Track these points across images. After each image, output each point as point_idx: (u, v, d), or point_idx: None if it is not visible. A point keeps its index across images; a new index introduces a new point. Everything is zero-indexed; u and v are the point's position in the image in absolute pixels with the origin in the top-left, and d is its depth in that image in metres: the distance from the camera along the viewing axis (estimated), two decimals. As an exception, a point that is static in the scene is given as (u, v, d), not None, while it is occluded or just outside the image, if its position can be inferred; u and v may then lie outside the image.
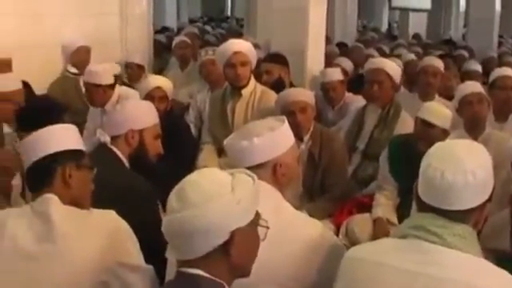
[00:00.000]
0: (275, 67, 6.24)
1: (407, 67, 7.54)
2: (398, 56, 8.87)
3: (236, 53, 5.02)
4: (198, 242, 2.04)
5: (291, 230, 2.63)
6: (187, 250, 2.07)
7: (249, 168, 2.60)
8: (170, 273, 2.63)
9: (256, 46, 5.74)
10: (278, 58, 6.44)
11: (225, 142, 2.90)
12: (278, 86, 5.68)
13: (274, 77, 6.12)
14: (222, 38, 10.41)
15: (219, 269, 2.09)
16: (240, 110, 5.08)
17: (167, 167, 3.94)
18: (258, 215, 2.17)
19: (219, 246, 2.05)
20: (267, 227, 2.19)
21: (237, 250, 2.07)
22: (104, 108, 5.60)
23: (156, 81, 5.34)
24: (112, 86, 5.67)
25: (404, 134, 4.71)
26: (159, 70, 8.48)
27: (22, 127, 3.61)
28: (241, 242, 2.08)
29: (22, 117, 4.46)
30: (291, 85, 6.07)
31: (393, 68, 5.27)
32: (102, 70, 5.69)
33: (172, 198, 2.12)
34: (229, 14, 28.92)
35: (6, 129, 4.58)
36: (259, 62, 5.92)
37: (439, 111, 4.36)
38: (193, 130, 5.89)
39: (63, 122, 3.21)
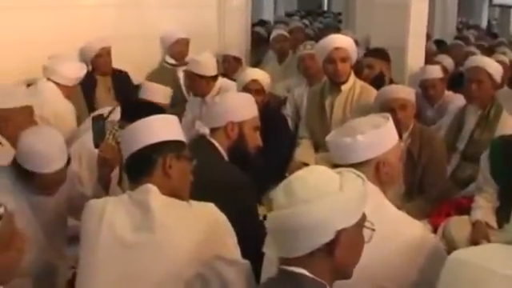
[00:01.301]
0: (377, 62, 6.16)
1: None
2: (503, 54, 8.61)
3: (337, 48, 4.96)
4: (302, 240, 2.00)
5: (393, 230, 2.57)
6: (291, 247, 2.04)
7: (351, 165, 2.56)
8: (267, 269, 2.61)
9: (355, 41, 5.67)
10: (380, 53, 6.35)
11: (327, 138, 2.86)
12: (378, 81, 5.59)
13: (375, 71, 6.04)
14: (320, 33, 10.34)
15: (322, 269, 2.05)
16: (338, 106, 5.01)
17: (264, 161, 3.92)
18: (364, 216, 2.12)
19: (323, 245, 2.01)
20: (373, 229, 2.14)
21: (341, 250, 2.03)
22: (204, 99, 5.62)
23: (253, 74, 5.32)
24: (215, 78, 5.69)
25: (507, 135, 4.56)
26: (256, 63, 8.48)
27: (126, 117, 3.62)
28: (346, 243, 2.03)
29: (125, 106, 4.50)
30: (391, 81, 5.98)
31: (493, 67, 5.10)
32: (207, 61, 5.72)
33: (279, 194, 2.08)
34: (326, 8, 28.79)
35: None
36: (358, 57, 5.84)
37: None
38: (290, 124, 5.86)
39: (165, 113, 3.21)
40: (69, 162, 3.57)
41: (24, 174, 3.43)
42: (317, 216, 1.98)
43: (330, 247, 2.01)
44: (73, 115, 5.52)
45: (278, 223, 2.05)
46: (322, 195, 1.99)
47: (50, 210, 3.66)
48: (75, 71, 5.69)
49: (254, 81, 5.15)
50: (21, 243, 2.10)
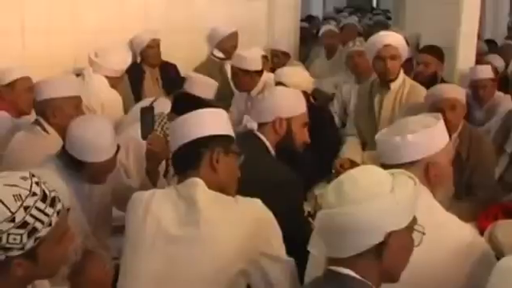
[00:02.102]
0: (433, 60, 6.06)
1: None
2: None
3: (386, 45, 4.91)
4: (351, 241, 1.98)
5: (442, 233, 2.53)
6: (339, 247, 2.02)
7: (399, 165, 2.53)
8: (312, 268, 2.59)
9: (405, 39, 5.60)
10: (435, 51, 6.24)
11: (376, 136, 2.83)
12: (431, 80, 5.51)
13: (430, 69, 5.95)
14: (369, 30, 10.26)
15: (369, 271, 2.03)
16: (387, 104, 4.95)
17: (310, 158, 3.89)
18: (414, 219, 2.09)
19: (372, 247, 1.99)
20: (423, 233, 2.11)
21: (390, 253, 2.00)
22: (249, 94, 5.62)
23: (279, 76, 5.28)
24: (260, 73, 5.68)
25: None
26: (304, 59, 8.45)
27: (176, 110, 3.62)
28: (395, 246, 2.00)
29: (177, 99, 4.51)
30: (442, 81, 5.89)
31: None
32: (252, 55, 5.70)
33: (330, 193, 2.06)
34: (375, 5, 28.58)
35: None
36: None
37: None
38: (336, 121, 5.82)
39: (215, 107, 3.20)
40: (117, 150, 3.59)
41: (73, 163, 3.44)
42: (367, 217, 1.96)
43: (378, 249, 1.99)
44: (120, 106, 5.55)
45: (327, 222, 2.03)
46: (372, 196, 1.97)
47: (95, 199, 3.68)
48: (121, 62, 5.72)
49: (280, 83, 5.10)
50: (70, 242, 2.12)
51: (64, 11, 6.38)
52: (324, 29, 8.48)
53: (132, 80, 6.45)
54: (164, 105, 4.60)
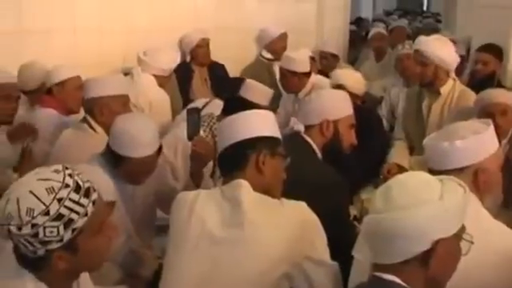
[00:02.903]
0: (491, 58, 5.92)
1: None
2: None
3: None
4: (397, 247, 1.96)
5: (489, 239, 2.47)
6: (385, 253, 1.99)
7: (447, 171, 2.49)
8: (356, 273, 2.57)
9: (453, 41, 5.51)
10: (494, 49, 6.08)
11: (424, 141, 2.79)
12: (489, 81, 5.40)
13: (488, 68, 5.81)
14: (418, 32, 10.17)
15: (415, 279, 2.00)
16: (436, 109, 4.88)
17: (357, 161, 3.86)
18: (463, 228, 2.05)
19: (419, 254, 1.95)
20: (471, 242, 2.07)
21: (437, 261, 1.97)
22: (297, 95, 5.60)
23: (338, 78, 5.26)
24: (308, 75, 5.66)
25: None
26: (353, 61, 8.41)
27: (226, 113, 3.63)
28: (442, 254, 1.97)
29: (228, 102, 4.51)
30: (499, 83, 5.77)
31: None
32: (300, 57, 5.69)
33: (377, 198, 2.03)
34: (425, 7, 28.35)
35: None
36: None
37: None
38: (384, 124, 5.77)
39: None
40: (159, 151, 3.60)
41: (115, 159, 3.48)
42: (414, 224, 1.92)
43: (425, 257, 1.96)
44: (168, 105, 5.56)
45: (374, 227, 2.00)
46: (421, 203, 1.94)
47: (138, 200, 3.71)
48: (169, 62, 5.73)
49: (339, 85, 5.09)
50: (111, 230, 2.12)
51: (115, 11, 6.44)
52: (373, 31, 8.42)
53: (180, 79, 6.47)
54: (216, 107, 4.60)
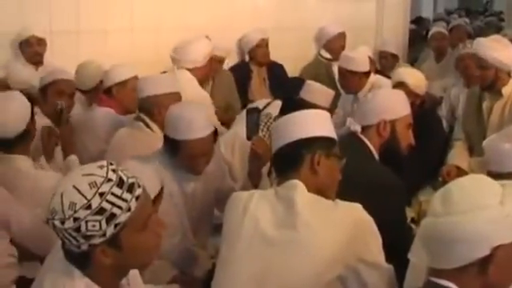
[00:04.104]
0: None
1: None
2: None
3: None
4: (455, 252, 1.89)
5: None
6: (442, 258, 1.93)
7: (507, 174, 2.42)
8: (411, 276, 2.51)
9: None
10: None
11: (484, 142, 2.74)
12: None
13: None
14: (480, 31, 10.01)
15: (472, 286, 1.93)
16: (497, 109, 4.77)
17: (416, 162, 3.80)
18: None
19: (477, 260, 1.88)
20: None
21: (495, 268, 1.89)
22: (356, 95, 5.55)
23: (401, 76, 5.19)
24: (367, 74, 5.60)
25: None
26: (413, 61, 8.31)
27: (285, 113, 3.61)
28: (501, 261, 1.89)
29: (287, 103, 4.49)
30: None
31: None
32: (359, 56, 5.65)
33: (436, 201, 1.97)
34: (487, 6, 27.96)
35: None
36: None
37: None
38: (444, 125, 5.69)
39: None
40: (215, 138, 3.63)
41: (173, 147, 3.51)
42: (473, 229, 1.86)
43: (483, 263, 1.88)
44: (207, 102, 5.54)
45: (432, 231, 1.95)
46: (481, 207, 1.87)
47: (197, 198, 3.71)
48: (200, 50, 5.71)
49: (401, 83, 5.01)
50: (158, 227, 2.10)
51: (173, 10, 6.47)
52: (433, 30, 8.30)
53: (239, 79, 6.48)
54: (277, 107, 4.58)
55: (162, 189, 2.96)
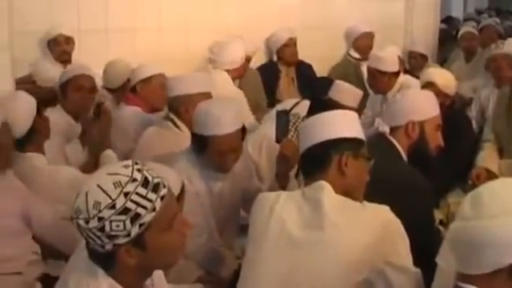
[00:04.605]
0: None
1: None
2: None
3: None
4: (484, 257, 1.85)
5: None
6: (471, 262, 1.89)
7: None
8: (439, 281, 2.47)
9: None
10: None
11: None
12: None
13: None
14: (511, 31, 9.90)
15: None
16: (527, 111, 4.75)
17: (445, 163, 3.76)
18: None
19: (508, 266, 1.84)
20: None
21: None
22: (385, 96, 5.51)
23: (431, 76, 5.14)
24: (396, 74, 5.56)
25: None
26: (442, 61, 8.24)
27: (313, 114, 3.61)
28: None
29: (314, 104, 4.47)
30: None
31: None
32: (389, 56, 5.61)
33: (466, 204, 1.94)
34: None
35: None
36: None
37: None
38: (474, 126, 5.63)
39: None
40: (243, 135, 3.63)
41: (200, 144, 3.52)
42: (504, 233, 1.82)
43: None
44: (243, 102, 5.53)
45: (461, 235, 1.91)
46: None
47: (225, 198, 3.70)
48: (237, 52, 5.72)
49: (431, 83, 4.97)
50: (183, 227, 2.08)
51: (201, 10, 6.49)
52: (463, 30, 8.22)
53: (267, 79, 6.47)
54: (304, 108, 4.56)
55: (183, 188, 2.95)
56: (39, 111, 3.82)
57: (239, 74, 5.74)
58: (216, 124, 3.46)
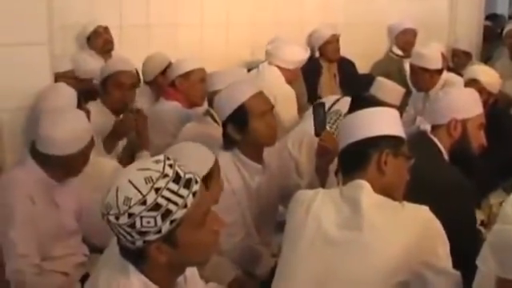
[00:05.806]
0: None
1: None
2: None
3: None
4: None
5: None
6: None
7: None
8: (479, 284, 2.41)
9: None
10: None
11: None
12: None
13: None
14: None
15: None
16: None
17: (487, 163, 3.70)
18: None
19: None
20: None
21: None
22: (427, 93, 5.45)
23: (474, 73, 5.07)
24: (439, 72, 5.50)
25: None
26: (487, 59, 8.13)
27: (354, 111, 3.59)
28: None
29: (356, 100, 4.43)
30: None
31: None
32: (432, 53, 5.55)
33: (508, 207, 1.90)
34: None
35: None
36: None
37: None
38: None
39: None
40: None
41: (233, 140, 3.52)
42: None
43: None
44: (293, 100, 5.52)
45: (503, 239, 1.86)
46: None
47: (262, 193, 3.68)
48: (296, 54, 5.70)
49: (473, 80, 4.90)
50: (215, 223, 2.06)
51: (242, 5, 6.48)
52: (508, 28, 8.06)
53: (308, 75, 6.43)
54: (345, 104, 4.52)
55: (214, 165, 2.96)
56: (79, 103, 3.84)
57: (290, 78, 5.68)
58: None
